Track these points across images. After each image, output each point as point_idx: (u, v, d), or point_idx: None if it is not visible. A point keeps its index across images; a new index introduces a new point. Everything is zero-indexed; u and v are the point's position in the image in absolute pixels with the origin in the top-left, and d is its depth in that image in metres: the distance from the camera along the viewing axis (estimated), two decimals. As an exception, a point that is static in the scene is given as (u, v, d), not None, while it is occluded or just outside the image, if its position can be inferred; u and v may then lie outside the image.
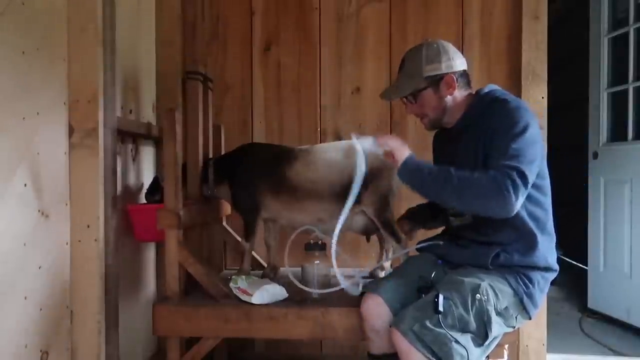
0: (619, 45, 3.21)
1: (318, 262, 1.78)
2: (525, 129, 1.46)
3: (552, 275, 1.60)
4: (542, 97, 2.32)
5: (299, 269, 1.82)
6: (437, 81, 1.61)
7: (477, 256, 1.56)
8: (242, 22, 2.54)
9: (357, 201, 1.89)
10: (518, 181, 1.39)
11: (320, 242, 1.81)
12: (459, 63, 1.63)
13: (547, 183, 1.59)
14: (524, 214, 1.52)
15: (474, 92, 1.67)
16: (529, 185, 1.43)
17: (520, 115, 1.49)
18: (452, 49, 1.64)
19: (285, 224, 2.04)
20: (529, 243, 1.54)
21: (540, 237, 1.55)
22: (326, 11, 2.51)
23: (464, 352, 1.40)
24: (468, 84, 1.67)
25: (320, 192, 1.91)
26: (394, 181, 1.90)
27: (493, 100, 1.58)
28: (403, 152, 1.56)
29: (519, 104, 1.54)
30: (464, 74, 1.65)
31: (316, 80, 2.52)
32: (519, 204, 1.41)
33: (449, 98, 1.62)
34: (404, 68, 1.66)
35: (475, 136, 1.57)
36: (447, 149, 1.71)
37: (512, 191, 1.38)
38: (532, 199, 1.53)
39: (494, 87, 1.67)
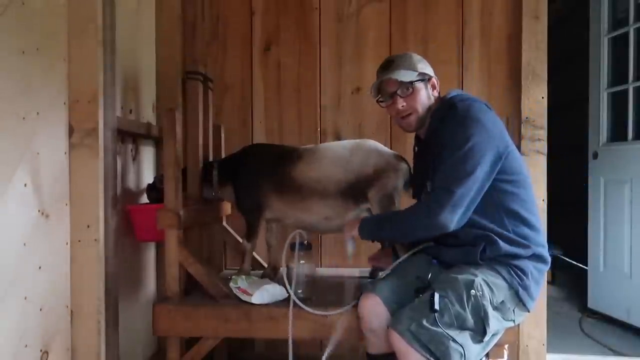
0: (619, 45, 3.21)
1: (303, 262, 1.79)
2: (464, 143, 1.52)
3: (544, 267, 1.61)
4: (542, 97, 2.32)
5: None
6: (427, 80, 1.71)
7: (466, 253, 1.58)
8: (242, 22, 2.54)
9: (363, 199, 1.90)
10: (444, 200, 1.51)
11: (305, 242, 1.81)
12: (433, 73, 1.75)
13: (521, 177, 1.61)
14: (498, 209, 1.57)
15: (438, 99, 1.74)
16: (462, 198, 1.51)
17: (464, 128, 1.55)
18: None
19: (292, 223, 2.03)
20: (512, 234, 1.56)
21: (522, 229, 1.58)
22: (326, 11, 2.51)
23: (462, 350, 1.41)
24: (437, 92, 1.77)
25: (326, 191, 1.91)
26: (399, 181, 1.91)
27: (449, 108, 1.64)
28: (354, 225, 1.71)
29: (466, 113, 1.58)
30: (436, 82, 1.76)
31: (316, 80, 2.52)
32: (454, 218, 1.51)
33: (432, 99, 1.71)
34: (393, 65, 1.70)
35: (435, 148, 1.62)
36: (420, 161, 1.78)
37: (438, 212, 1.51)
38: (507, 194, 1.58)
39: (457, 91, 1.74)
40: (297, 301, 1.72)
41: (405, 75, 1.67)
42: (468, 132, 1.53)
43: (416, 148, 1.85)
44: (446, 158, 1.55)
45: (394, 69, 1.69)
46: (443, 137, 1.59)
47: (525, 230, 1.58)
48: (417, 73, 1.68)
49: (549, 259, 1.63)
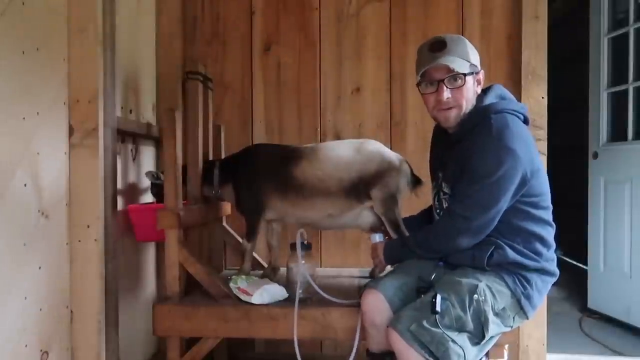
0: (619, 45, 3.21)
1: (304, 262, 1.79)
2: (492, 173, 1.47)
3: (550, 279, 1.61)
4: (542, 97, 2.32)
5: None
6: (476, 74, 1.60)
7: (473, 257, 1.57)
8: (242, 22, 2.54)
9: (366, 197, 1.90)
10: (463, 228, 1.53)
11: (305, 242, 1.81)
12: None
13: (542, 198, 1.58)
14: (512, 226, 1.56)
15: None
16: (481, 227, 1.53)
17: (494, 156, 1.48)
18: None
19: (294, 222, 2.03)
20: (522, 247, 1.56)
21: (533, 244, 1.56)
22: (326, 11, 2.51)
23: (461, 352, 1.41)
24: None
25: (329, 189, 1.90)
26: (402, 182, 1.91)
27: (483, 119, 1.55)
28: (379, 251, 1.80)
29: (500, 137, 1.48)
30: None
31: (316, 80, 2.52)
32: (471, 242, 1.55)
33: (475, 96, 1.61)
34: (446, 48, 1.53)
35: (462, 155, 1.57)
36: (442, 156, 1.72)
37: (456, 238, 1.55)
38: (524, 214, 1.56)
39: (497, 92, 1.63)
40: (317, 289, 1.74)
41: (458, 65, 1.51)
42: (498, 162, 1.46)
43: (438, 136, 1.80)
44: (470, 183, 1.51)
45: (447, 53, 1.51)
46: (470, 152, 1.53)
47: (537, 246, 1.57)
48: (469, 64, 1.54)
49: (557, 273, 1.62)
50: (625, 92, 3.14)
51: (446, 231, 1.58)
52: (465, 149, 1.56)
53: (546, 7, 2.32)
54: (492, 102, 1.60)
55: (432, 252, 1.64)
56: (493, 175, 1.47)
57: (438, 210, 1.72)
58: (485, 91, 1.65)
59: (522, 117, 1.62)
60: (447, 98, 1.55)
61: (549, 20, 2.33)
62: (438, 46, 1.53)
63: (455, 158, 1.61)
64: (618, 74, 3.22)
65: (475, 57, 1.58)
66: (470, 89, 1.57)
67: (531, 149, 1.54)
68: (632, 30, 3.07)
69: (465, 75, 1.54)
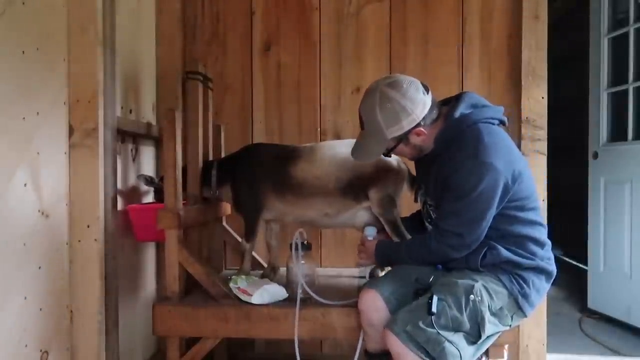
0: (619, 45, 3.21)
1: (303, 262, 1.79)
2: (473, 189, 1.47)
3: (547, 279, 1.60)
4: (542, 97, 2.31)
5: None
6: (405, 135, 1.58)
7: (467, 259, 1.57)
8: (242, 22, 2.54)
9: (364, 197, 1.90)
10: (456, 244, 1.55)
11: (305, 241, 1.81)
12: (421, 109, 1.54)
13: (528, 201, 1.57)
14: (503, 232, 1.56)
15: (444, 113, 1.60)
16: (473, 241, 1.54)
17: (472, 171, 1.48)
18: (407, 99, 1.52)
19: (292, 221, 2.04)
20: (515, 248, 1.56)
21: (527, 245, 1.56)
22: (326, 11, 2.51)
23: (457, 352, 1.42)
24: (436, 112, 1.59)
25: (327, 188, 1.91)
26: (399, 183, 1.91)
27: (458, 135, 1.55)
28: (369, 249, 1.78)
29: (476, 150, 1.49)
30: (430, 110, 1.56)
31: (316, 80, 2.52)
32: (464, 253, 1.56)
33: (419, 144, 1.61)
34: (365, 128, 1.61)
35: (441, 170, 1.57)
36: (423, 173, 1.73)
37: (451, 253, 1.57)
38: (512, 219, 1.56)
39: (469, 102, 1.59)
40: (312, 293, 1.74)
41: (373, 152, 1.64)
42: (477, 178, 1.47)
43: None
44: (454, 201, 1.52)
45: (363, 142, 1.62)
46: (449, 169, 1.53)
47: (530, 246, 1.57)
48: (387, 140, 1.58)
49: (554, 272, 1.61)
50: (625, 92, 3.14)
51: (441, 250, 1.57)
52: (443, 164, 1.57)
53: (546, 7, 2.32)
54: (464, 114, 1.57)
55: (425, 264, 1.65)
56: (474, 191, 1.48)
57: (429, 220, 1.72)
58: (458, 98, 1.62)
59: (496, 122, 1.61)
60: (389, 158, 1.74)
61: (549, 20, 2.33)
62: (360, 122, 1.63)
63: (434, 173, 1.61)
64: (618, 74, 3.22)
65: (396, 127, 1.54)
66: (404, 149, 1.64)
67: (509, 155, 1.53)
68: (632, 30, 3.07)
69: (388, 151, 1.64)
